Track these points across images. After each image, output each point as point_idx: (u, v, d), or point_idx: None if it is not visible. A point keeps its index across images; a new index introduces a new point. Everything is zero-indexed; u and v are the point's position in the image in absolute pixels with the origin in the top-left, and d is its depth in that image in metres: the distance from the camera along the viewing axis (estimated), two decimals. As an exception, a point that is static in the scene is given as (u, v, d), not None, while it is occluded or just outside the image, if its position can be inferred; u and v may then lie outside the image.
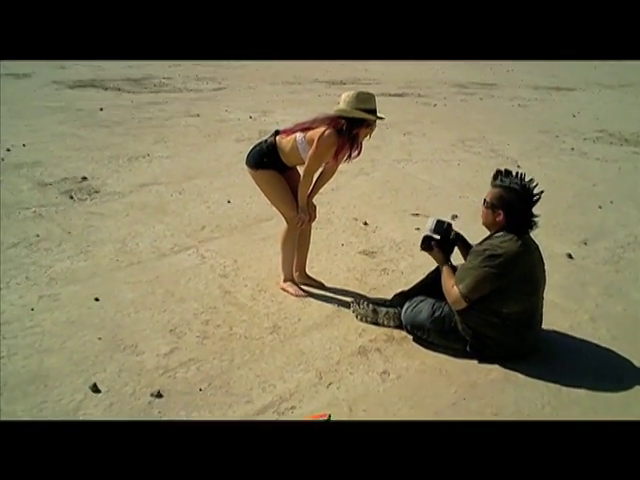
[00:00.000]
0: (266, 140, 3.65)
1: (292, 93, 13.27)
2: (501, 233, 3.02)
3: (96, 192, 5.65)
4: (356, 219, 5.18)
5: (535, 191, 3.00)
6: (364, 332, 3.34)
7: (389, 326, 3.37)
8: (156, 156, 7.14)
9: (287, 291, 3.76)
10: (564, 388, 2.88)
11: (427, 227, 3.25)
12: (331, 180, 3.85)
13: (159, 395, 2.73)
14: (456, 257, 3.31)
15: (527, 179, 3.01)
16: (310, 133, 3.47)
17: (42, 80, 13.70)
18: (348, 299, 3.64)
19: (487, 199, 3.07)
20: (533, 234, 3.08)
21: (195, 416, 2.61)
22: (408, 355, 3.14)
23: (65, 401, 2.67)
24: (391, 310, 3.37)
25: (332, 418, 2.57)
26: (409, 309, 3.26)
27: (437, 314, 3.15)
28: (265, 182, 3.65)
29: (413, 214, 5.38)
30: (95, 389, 2.74)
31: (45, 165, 6.46)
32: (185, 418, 2.60)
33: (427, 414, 2.67)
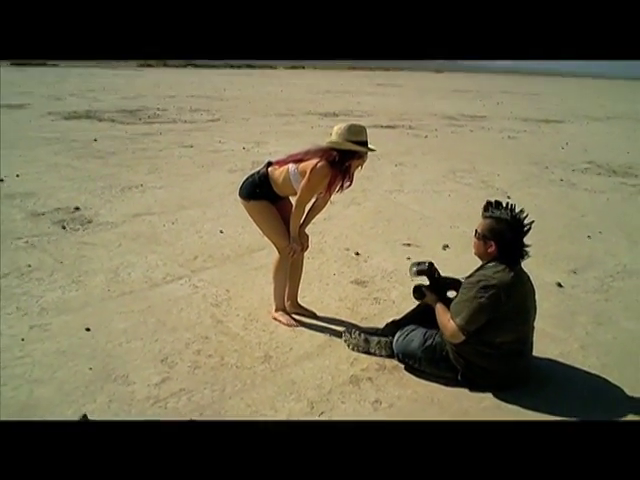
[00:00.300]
0: (259, 171, 3.68)
1: (285, 125, 13.44)
2: (493, 263, 3.04)
3: (89, 222, 5.67)
4: (348, 249, 5.21)
5: (525, 221, 3.03)
6: (356, 361, 3.34)
7: (381, 355, 3.37)
8: (149, 186, 7.19)
9: (279, 320, 3.76)
10: (555, 417, 2.88)
11: (411, 276, 3.33)
12: (323, 210, 3.89)
13: (149, 425, 2.70)
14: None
15: (517, 210, 3.04)
16: (303, 164, 3.51)
17: (38, 111, 13.82)
18: (340, 328, 3.64)
19: (478, 230, 3.10)
20: (523, 263, 3.11)
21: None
22: (400, 384, 3.14)
23: (54, 432, 2.65)
24: (383, 339, 3.38)
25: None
26: (401, 338, 3.27)
27: (429, 343, 3.16)
28: (257, 212, 3.68)
29: (405, 244, 5.42)
30: (85, 420, 2.71)
31: (38, 195, 6.50)
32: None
33: (419, 444, 2.65)
